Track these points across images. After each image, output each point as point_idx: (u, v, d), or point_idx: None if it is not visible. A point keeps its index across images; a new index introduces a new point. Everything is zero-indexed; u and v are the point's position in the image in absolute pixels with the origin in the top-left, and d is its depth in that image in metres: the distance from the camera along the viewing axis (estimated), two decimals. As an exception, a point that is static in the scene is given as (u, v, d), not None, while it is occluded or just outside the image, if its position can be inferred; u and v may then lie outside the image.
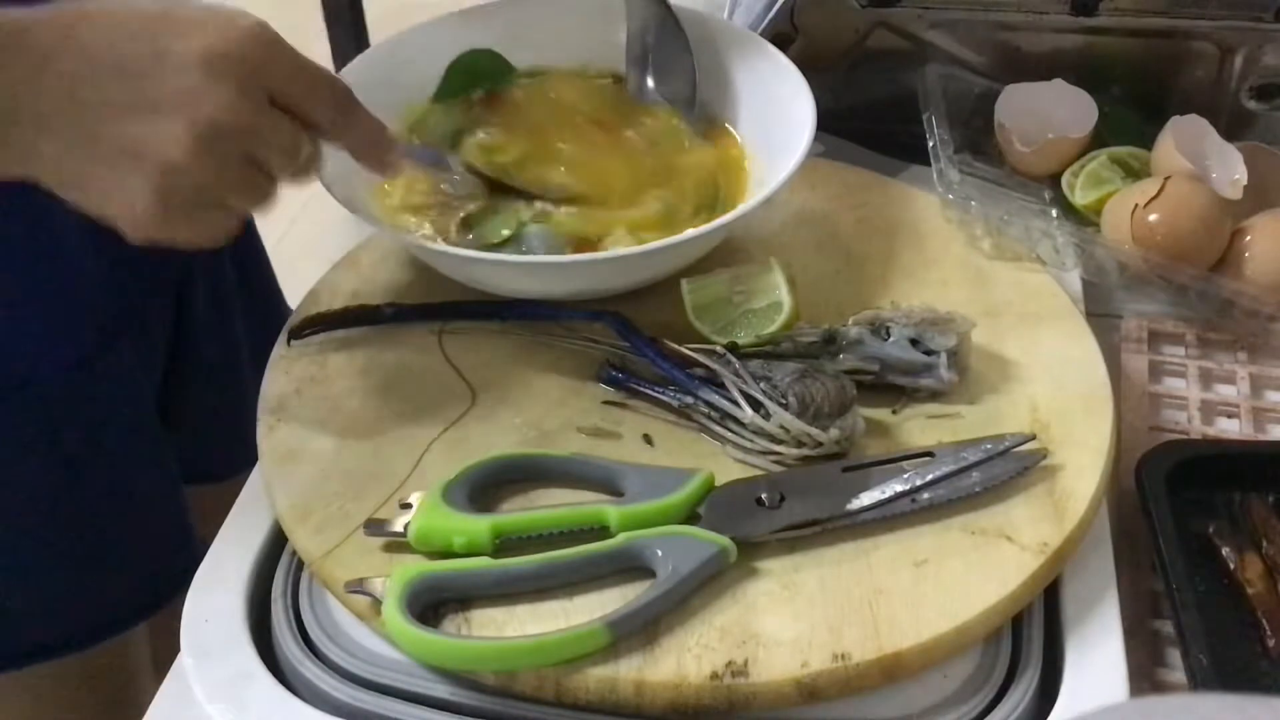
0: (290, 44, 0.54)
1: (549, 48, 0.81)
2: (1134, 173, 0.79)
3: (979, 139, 0.83)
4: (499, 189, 0.72)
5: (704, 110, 0.79)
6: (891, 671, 0.54)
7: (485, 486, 0.60)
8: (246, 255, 0.90)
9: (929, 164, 0.78)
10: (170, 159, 0.50)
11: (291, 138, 0.54)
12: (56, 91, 0.50)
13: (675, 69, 0.79)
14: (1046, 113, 0.80)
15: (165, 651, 0.61)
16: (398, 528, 0.57)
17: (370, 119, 0.59)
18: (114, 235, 0.53)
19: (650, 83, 0.80)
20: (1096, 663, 0.56)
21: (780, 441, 0.61)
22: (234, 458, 0.87)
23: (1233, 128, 0.82)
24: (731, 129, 0.79)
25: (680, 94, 0.79)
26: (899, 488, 0.58)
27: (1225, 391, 0.72)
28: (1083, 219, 0.78)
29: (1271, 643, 0.58)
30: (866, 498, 0.58)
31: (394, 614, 0.53)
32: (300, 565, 0.60)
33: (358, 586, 0.55)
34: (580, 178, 0.74)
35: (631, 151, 0.76)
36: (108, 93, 0.50)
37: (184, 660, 0.57)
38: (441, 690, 0.55)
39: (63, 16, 0.50)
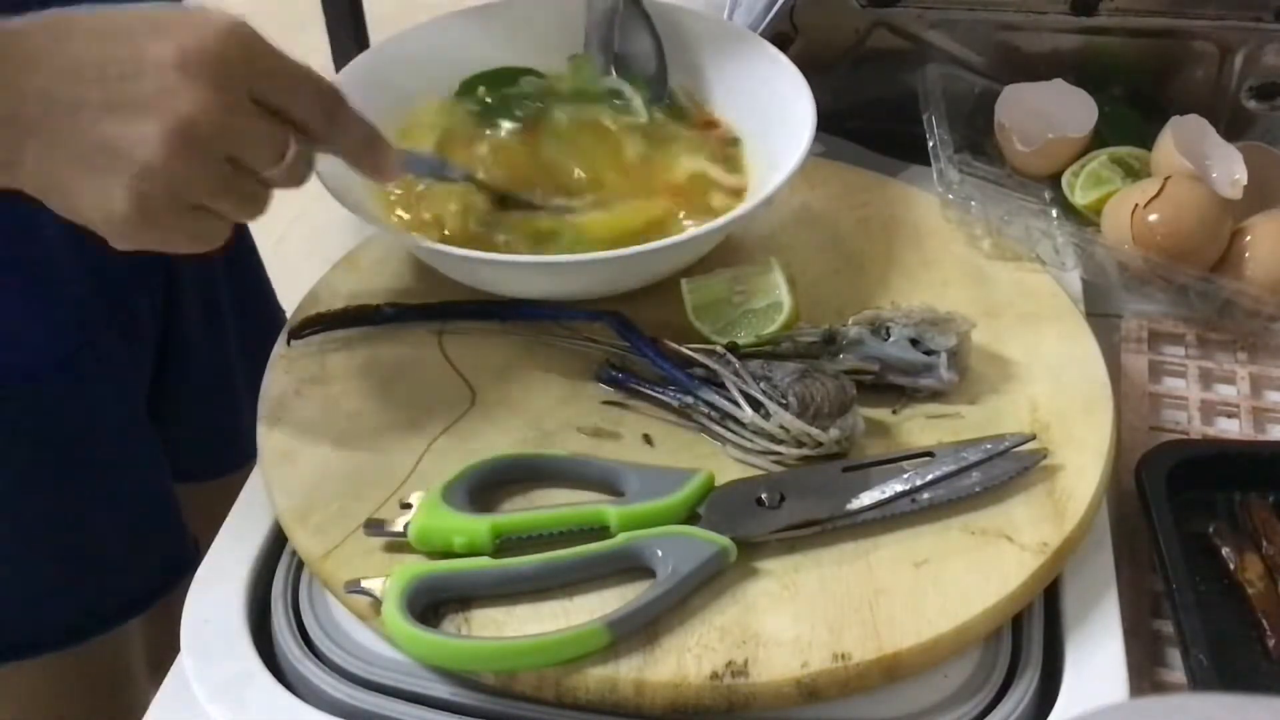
0: (272, 42, 0.52)
1: (548, 48, 0.81)
2: (1134, 173, 0.79)
3: (979, 139, 0.83)
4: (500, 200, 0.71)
5: (679, 96, 0.79)
6: (891, 671, 0.54)
7: (485, 486, 0.60)
8: (237, 253, 0.90)
9: (929, 164, 0.78)
10: (144, 160, 0.49)
11: (274, 138, 0.52)
12: (39, 95, 0.49)
13: (638, 50, 0.78)
14: (1046, 113, 0.80)
15: (162, 651, 0.61)
16: (398, 528, 0.57)
17: (361, 122, 0.57)
18: (99, 236, 0.53)
19: (613, 68, 0.79)
20: (1096, 663, 0.56)
21: (780, 441, 0.61)
22: (225, 456, 0.87)
23: (1233, 128, 0.82)
24: (723, 118, 0.79)
25: (644, 75, 0.79)
26: (899, 488, 0.58)
27: (1225, 391, 0.72)
28: (1083, 219, 0.78)
29: (1271, 643, 0.58)
30: (866, 498, 0.58)
31: (394, 614, 0.53)
32: (300, 565, 0.60)
33: (358, 586, 0.55)
34: (583, 184, 0.73)
35: (627, 156, 0.76)
36: (87, 94, 0.49)
37: (184, 660, 0.57)
38: (441, 690, 0.55)
39: (54, 23, 0.50)
